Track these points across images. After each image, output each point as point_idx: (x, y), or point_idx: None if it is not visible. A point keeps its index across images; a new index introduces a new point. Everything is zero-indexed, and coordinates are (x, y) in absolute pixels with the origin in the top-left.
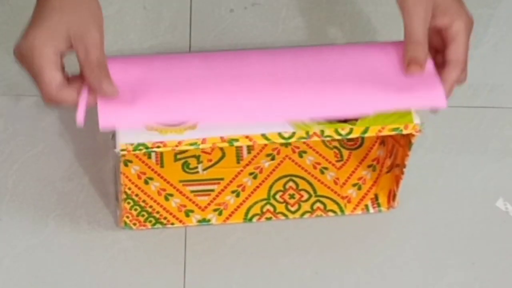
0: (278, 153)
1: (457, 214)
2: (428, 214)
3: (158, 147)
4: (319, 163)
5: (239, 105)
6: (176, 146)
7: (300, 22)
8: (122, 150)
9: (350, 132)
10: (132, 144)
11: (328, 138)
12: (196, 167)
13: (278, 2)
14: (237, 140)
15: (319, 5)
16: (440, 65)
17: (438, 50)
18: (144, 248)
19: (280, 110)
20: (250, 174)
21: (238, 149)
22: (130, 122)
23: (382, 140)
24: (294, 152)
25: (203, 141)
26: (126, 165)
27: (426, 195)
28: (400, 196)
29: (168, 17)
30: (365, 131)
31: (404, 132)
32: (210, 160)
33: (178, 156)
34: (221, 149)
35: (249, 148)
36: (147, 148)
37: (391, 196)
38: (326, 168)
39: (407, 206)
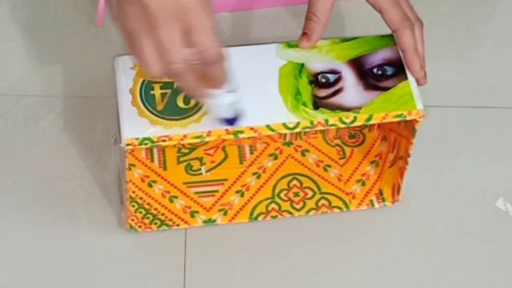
0: (281, 152)
1: (457, 214)
2: (428, 214)
3: (164, 141)
4: (322, 161)
5: None
6: (181, 139)
7: (300, 22)
8: (128, 145)
9: (354, 120)
10: (137, 139)
11: (332, 127)
12: (199, 169)
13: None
14: (242, 132)
15: None
16: None
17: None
18: (144, 248)
19: None
20: (254, 174)
21: (241, 150)
22: None
23: (384, 136)
24: (296, 151)
25: (208, 133)
26: (129, 169)
27: (426, 195)
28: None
29: None
30: (369, 119)
31: (408, 118)
32: (213, 162)
33: (181, 159)
34: (224, 150)
35: (251, 149)
36: (152, 142)
37: (396, 190)
38: (329, 166)
39: (407, 206)
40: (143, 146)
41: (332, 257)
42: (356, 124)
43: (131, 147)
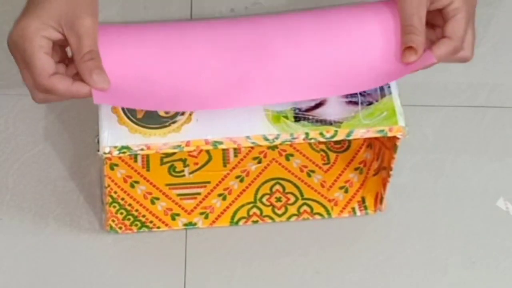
0: (265, 156)
1: (458, 214)
2: (429, 213)
3: (142, 149)
4: (306, 166)
5: (229, 91)
6: (160, 148)
7: None
8: (106, 153)
9: (335, 134)
10: (116, 147)
11: (313, 141)
12: (183, 171)
13: (279, 1)
14: (221, 142)
15: (319, 5)
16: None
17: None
18: (144, 248)
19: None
20: (237, 177)
21: (225, 152)
22: (123, 104)
23: (369, 143)
24: (281, 155)
25: (187, 143)
26: (112, 168)
27: (427, 195)
28: (400, 196)
29: (168, 16)
30: (350, 134)
31: (389, 134)
32: (197, 164)
33: (165, 160)
34: (208, 152)
35: (236, 152)
36: (131, 150)
37: (379, 199)
38: (313, 171)
39: (408, 206)
40: (121, 154)
41: (333, 257)
42: (336, 139)
43: (109, 155)
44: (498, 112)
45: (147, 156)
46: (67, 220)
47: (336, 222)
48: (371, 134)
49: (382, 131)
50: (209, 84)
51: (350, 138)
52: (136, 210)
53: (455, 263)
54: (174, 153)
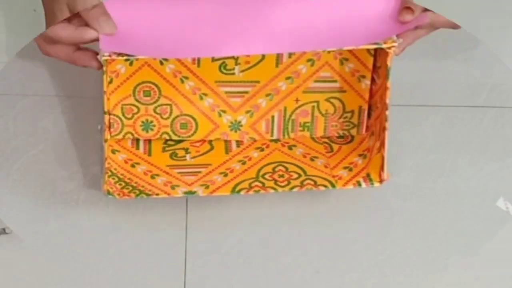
0: (267, 146)
1: (457, 214)
2: (428, 213)
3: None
4: (309, 153)
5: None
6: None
7: None
8: (105, 55)
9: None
10: (115, 53)
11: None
12: (184, 156)
13: None
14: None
15: None
16: None
17: None
18: (144, 247)
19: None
20: (239, 161)
21: (227, 142)
22: (128, 50)
23: (372, 131)
24: (283, 146)
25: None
26: (113, 153)
27: (426, 195)
28: (400, 196)
29: None
30: None
31: (384, 46)
32: (198, 151)
33: (167, 149)
34: (210, 143)
35: (238, 143)
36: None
37: (381, 169)
38: (316, 157)
39: (407, 206)
40: (120, 58)
41: (333, 256)
42: (330, 49)
43: (108, 57)
44: (498, 112)
45: (150, 145)
46: (67, 220)
47: (337, 222)
48: (365, 43)
49: (377, 42)
50: (210, 33)
51: (344, 48)
52: (136, 183)
53: (455, 263)
54: (176, 143)
